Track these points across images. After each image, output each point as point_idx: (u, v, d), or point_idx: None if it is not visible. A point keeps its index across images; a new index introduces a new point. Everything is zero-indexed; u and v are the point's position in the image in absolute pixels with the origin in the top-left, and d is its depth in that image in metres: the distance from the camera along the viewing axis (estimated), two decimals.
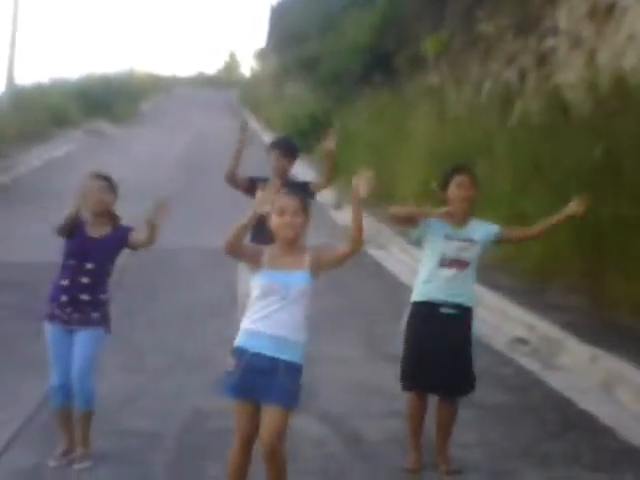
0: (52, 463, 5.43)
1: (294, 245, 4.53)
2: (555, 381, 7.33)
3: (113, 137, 31.10)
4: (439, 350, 5.30)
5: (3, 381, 7.06)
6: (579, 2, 13.55)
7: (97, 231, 5.48)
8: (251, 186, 6.71)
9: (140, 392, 6.88)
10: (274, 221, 4.49)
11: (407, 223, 5.50)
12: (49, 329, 5.46)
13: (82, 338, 5.39)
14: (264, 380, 4.38)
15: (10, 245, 12.67)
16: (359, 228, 4.46)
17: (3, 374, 7.22)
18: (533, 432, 6.17)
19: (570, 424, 6.36)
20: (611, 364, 7.21)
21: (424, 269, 5.47)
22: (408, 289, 10.79)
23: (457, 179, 5.41)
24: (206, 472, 5.39)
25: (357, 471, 5.48)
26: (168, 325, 8.92)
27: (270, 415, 4.38)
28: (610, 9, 12.48)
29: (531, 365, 7.79)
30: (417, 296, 5.47)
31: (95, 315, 5.44)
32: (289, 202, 4.49)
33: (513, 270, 10.19)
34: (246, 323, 4.51)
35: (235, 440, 4.53)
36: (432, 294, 5.38)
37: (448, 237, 5.36)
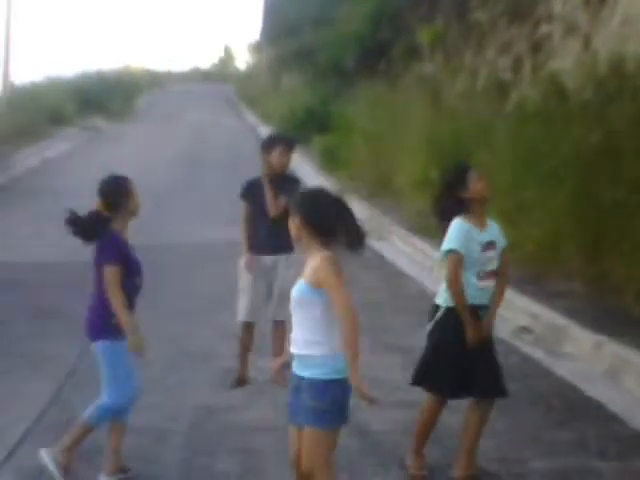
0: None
1: (305, 251, 4.21)
2: (560, 369, 7.32)
3: (110, 134, 31.04)
4: (479, 351, 5.18)
5: (11, 380, 7.06)
6: None
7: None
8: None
9: (145, 388, 6.84)
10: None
11: None
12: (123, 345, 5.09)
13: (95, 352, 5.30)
14: (294, 399, 4.17)
15: (8, 244, 12.63)
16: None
17: (11, 374, 7.22)
18: (540, 420, 6.18)
19: (577, 412, 6.36)
20: (616, 350, 7.21)
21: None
22: (409, 279, 10.88)
23: (474, 175, 5.21)
24: (216, 467, 5.39)
25: (367, 462, 5.50)
26: (170, 320, 8.90)
27: (302, 437, 4.14)
28: None
29: (536, 353, 7.79)
30: (450, 301, 5.20)
31: (91, 326, 5.28)
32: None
33: (513, 258, 10.14)
34: None
35: None
36: (471, 301, 5.15)
37: (483, 246, 5.16)
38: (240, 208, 7.09)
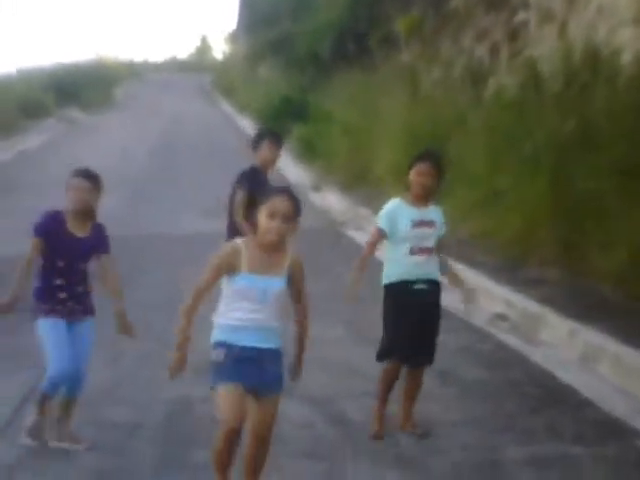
0: (52, 443, 5.48)
1: (277, 247, 4.33)
2: (536, 356, 7.37)
3: (87, 125, 30.88)
4: (416, 322, 5.55)
5: None
6: None
7: (80, 230, 5.46)
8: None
9: (122, 380, 6.84)
10: (262, 222, 4.24)
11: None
12: (48, 322, 5.40)
13: (85, 329, 5.53)
14: (253, 369, 4.33)
15: None
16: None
17: None
18: (515, 407, 6.21)
19: (552, 398, 6.40)
20: (591, 337, 7.26)
21: (394, 256, 5.70)
22: None
23: (418, 166, 5.58)
24: (192, 459, 5.34)
25: (345, 451, 5.49)
26: (149, 311, 8.82)
27: (264, 404, 4.38)
28: None
29: (511, 341, 7.83)
30: (390, 278, 5.72)
31: (91, 305, 5.61)
32: (282, 205, 4.22)
33: (488, 245, 10.21)
34: (227, 319, 4.45)
35: (222, 430, 4.32)
36: (405, 276, 5.62)
37: (414, 223, 5.55)
38: (237, 195, 7.07)
